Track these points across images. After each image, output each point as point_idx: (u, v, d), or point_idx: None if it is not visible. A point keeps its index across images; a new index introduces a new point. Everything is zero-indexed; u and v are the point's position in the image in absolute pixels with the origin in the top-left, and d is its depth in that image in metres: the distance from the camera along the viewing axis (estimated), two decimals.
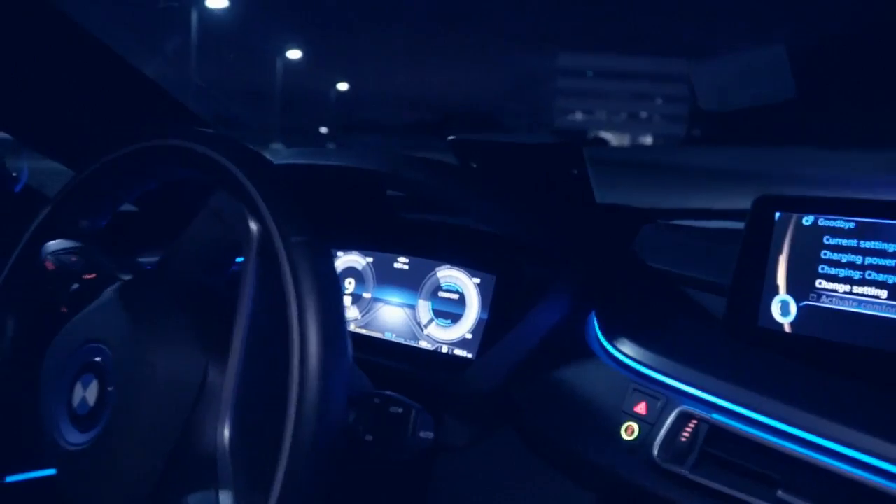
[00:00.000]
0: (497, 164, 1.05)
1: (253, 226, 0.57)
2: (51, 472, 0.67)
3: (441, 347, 0.92)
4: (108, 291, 0.67)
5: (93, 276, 0.71)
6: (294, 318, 0.52)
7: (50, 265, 0.72)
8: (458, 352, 0.90)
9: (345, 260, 1.02)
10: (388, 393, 0.63)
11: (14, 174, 1.12)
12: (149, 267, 0.69)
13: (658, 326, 0.73)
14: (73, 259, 0.72)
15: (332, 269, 0.55)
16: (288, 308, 0.52)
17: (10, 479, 0.74)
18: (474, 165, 1.06)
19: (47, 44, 0.91)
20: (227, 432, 0.55)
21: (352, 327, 1.00)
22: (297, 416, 0.50)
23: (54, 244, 0.72)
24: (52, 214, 0.73)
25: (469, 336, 0.90)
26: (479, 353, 0.88)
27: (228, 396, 0.55)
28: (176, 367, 0.58)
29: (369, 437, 0.63)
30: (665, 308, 0.78)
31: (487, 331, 0.89)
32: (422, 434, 0.60)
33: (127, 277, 0.69)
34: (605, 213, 1.00)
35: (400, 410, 0.61)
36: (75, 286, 0.72)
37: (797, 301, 0.68)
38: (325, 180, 1.00)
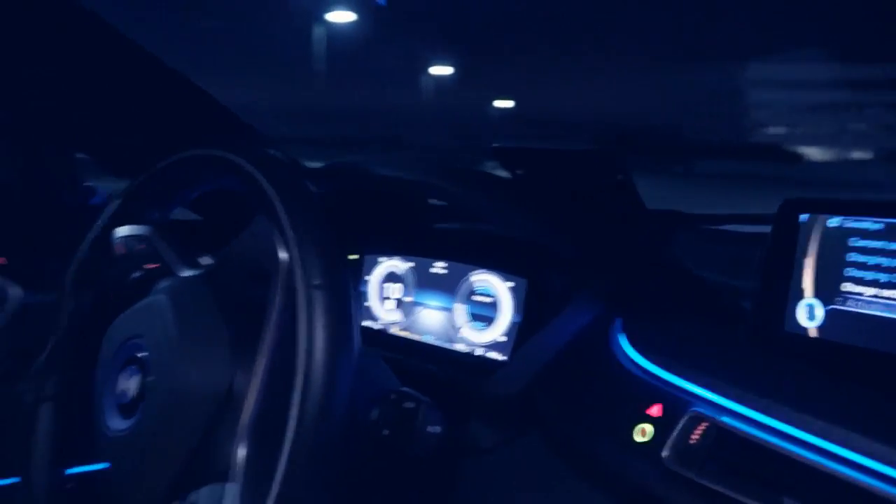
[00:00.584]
0: (540, 171, 1.07)
1: (282, 255, 0.59)
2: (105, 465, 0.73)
3: (475, 350, 0.94)
4: (158, 289, 0.72)
5: (155, 266, 0.76)
6: (302, 354, 0.54)
7: (119, 249, 0.76)
8: (492, 354, 0.92)
9: (387, 265, 1.06)
10: (404, 389, 0.66)
11: (91, 188, 1.22)
12: (203, 269, 0.73)
13: (680, 331, 0.73)
14: (141, 247, 0.75)
15: (348, 314, 0.56)
16: (297, 347, 0.54)
17: (69, 471, 0.79)
18: (519, 172, 1.08)
19: (131, 80, 0.99)
20: (242, 451, 0.57)
21: (394, 330, 1.03)
22: (300, 414, 0.53)
23: (125, 229, 0.76)
24: (124, 202, 0.78)
25: (503, 339, 0.91)
26: (511, 356, 0.89)
27: (248, 413, 0.58)
28: (206, 373, 0.61)
29: (386, 432, 0.66)
30: (690, 312, 0.77)
31: (521, 334, 0.90)
32: (429, 429, 0.62)
33: (186, 273, 0.72)
34: (644, 218, 0.99)
35: (412, 405, 0.64)
36: (138, 273, 0.77)
37: (824, 305, 0.67)
38: (370, 188, 1.04)
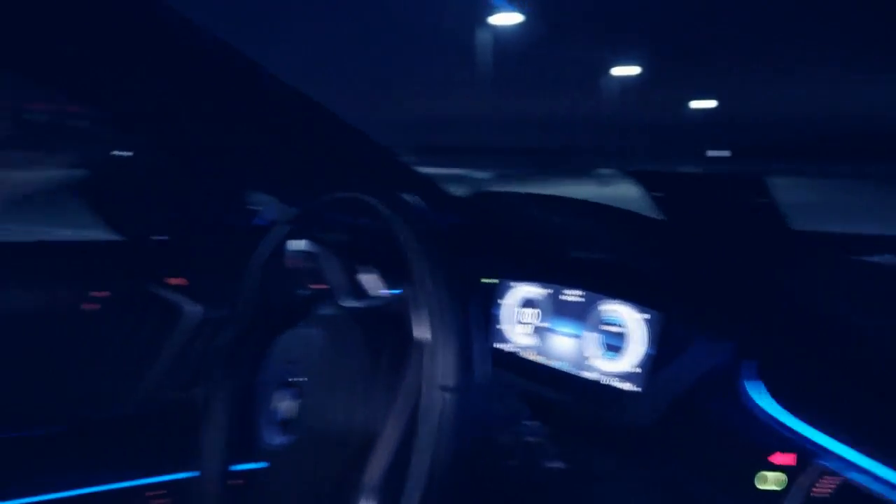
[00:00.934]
0: (680, 196, 1.06)
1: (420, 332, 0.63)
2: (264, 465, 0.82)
3: (605, 378, 0.95)
4: (317, 315, 0.79)
5: (322, 287, 0.81)
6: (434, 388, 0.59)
7: (291, 263, 0.83)
8: (623, 385, 0.93)
9: (522, 290, 1.09)
10: (530, 423, 0.70)
11: (253, 212, 1.36)
12: (359, 306, 0.77)
13: (816, 377, 0.71)
14: (310, 265, 0.82)
15: (469, 354, 0.60)
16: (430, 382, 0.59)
17: (234, 468, 0.89)
18: (658, 196, 1.08)
19: (293, 123, 1.10)
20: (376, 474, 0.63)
21: (526, 354, 1.07)
22: (434, 441, 0.58)
23: (300, 244, 0.82)
24: (296, 220, 0.84)
25: (636, 370, 0.92)
26: (644, 387, 0.90)
27: (387, 444, 0.63)
28: (350, 406, 0.68)
29: (510, 462, 0.70)
30: (829, 357, 0.75)
31: (654, 366, 0.90)
32: (551, 464, 0.65)
33: (345, 302, 0.78)
34: (788, 245, 0.96)
35: (537, 440, 0.67)
36: (303, 292, 0.84)
37: None
38: (510, 218, 1.09)
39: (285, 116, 1.10)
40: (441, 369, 0.59)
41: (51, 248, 1.22)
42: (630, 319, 0.94)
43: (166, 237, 1.28)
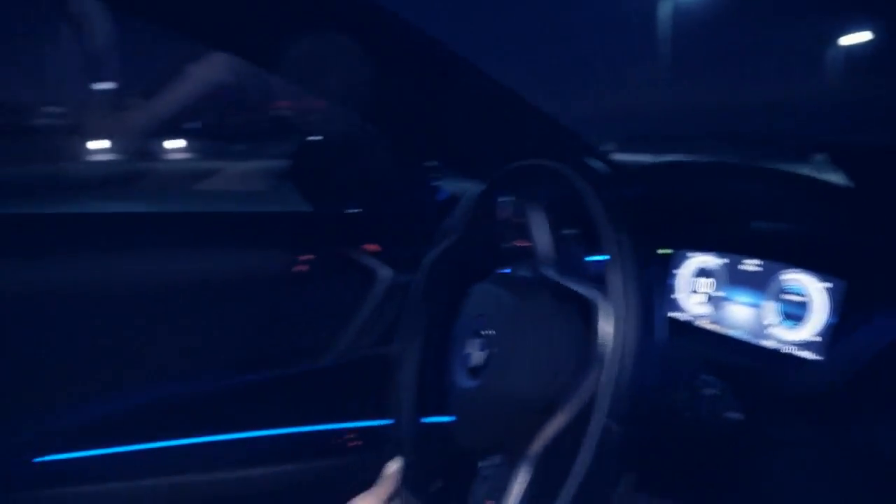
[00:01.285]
0: (873, 170, 1.03)
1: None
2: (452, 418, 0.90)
3: (784, 347, 0.95)
4: (512, 277, 0.84)
5: (526, 244, 0.82)
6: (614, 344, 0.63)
7: (500, 213, 0.85)
8: (803, 353, 0.93)
9: (698, 260, 1.11)
10: (707, 377, 0.72)
11: (437, 187, 1.46)
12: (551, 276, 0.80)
13: None
14: (518, 220, 0.83)
15: (651, 308, 0.64)
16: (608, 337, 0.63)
17: (425, 419, 0.99)
18: (850, 170, 1.05)
19: (480, 103, 1.18)
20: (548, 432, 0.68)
21: (701, 322, 1.08)
22: (611, 397, 0.62)
23: (509, 199, 0.84)
24: (488, 186, 0.88)
25: (816, 338, 0.92)
26: (827, 356, 0.89)
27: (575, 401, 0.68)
28: (538, 369, 0.74)
29: (688, 414, 0.73)
30: None
31: (836, 334, 0.90)
32: (729, 415, 0.68)
33: (545, 267, 0.79)
34: None
35: (714, 392, 0.70)
36: (507, 245, 0.86)
37: None
38: (688, 188, 1.10)
39: (477, 98, 1.18)
40: (624, 337, 0.63)
41: (268, 219, 1.40)
42: (812, 288, 0.93)
43: (362, 209, 1.41)
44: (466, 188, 1.35)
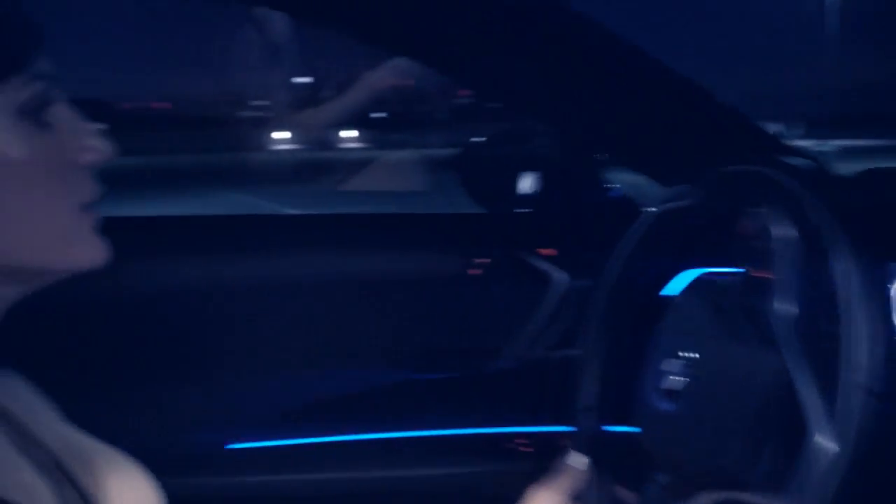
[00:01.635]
0: None
1: None
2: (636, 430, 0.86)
3: None
4: (717, 292, 0.79)
5: (766, 275, 0.72)
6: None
7: (743, 228, 0.78)
8: None
9: None
10: None
11: (609, 187, 1.41)
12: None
13: None
14: (759, 240, 0.74)
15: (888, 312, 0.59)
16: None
17: (606, 427, 0.95)
18: None
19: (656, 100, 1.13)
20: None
21: None
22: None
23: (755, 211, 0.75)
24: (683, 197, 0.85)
25: None
26: None
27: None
28: (745, 402, 0.68)
29: None
30: None
31: None
32: None
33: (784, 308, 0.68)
34: None
35: None
36: (742, 271, 0.79)
37: None
38: None
39: (656, 96, 1.12)
40: (864, 364, 0.56)
41: (441, 220, 1.41)
42: None
43: (533, 209, 1.39)
44: (640, 185, 1.30)
